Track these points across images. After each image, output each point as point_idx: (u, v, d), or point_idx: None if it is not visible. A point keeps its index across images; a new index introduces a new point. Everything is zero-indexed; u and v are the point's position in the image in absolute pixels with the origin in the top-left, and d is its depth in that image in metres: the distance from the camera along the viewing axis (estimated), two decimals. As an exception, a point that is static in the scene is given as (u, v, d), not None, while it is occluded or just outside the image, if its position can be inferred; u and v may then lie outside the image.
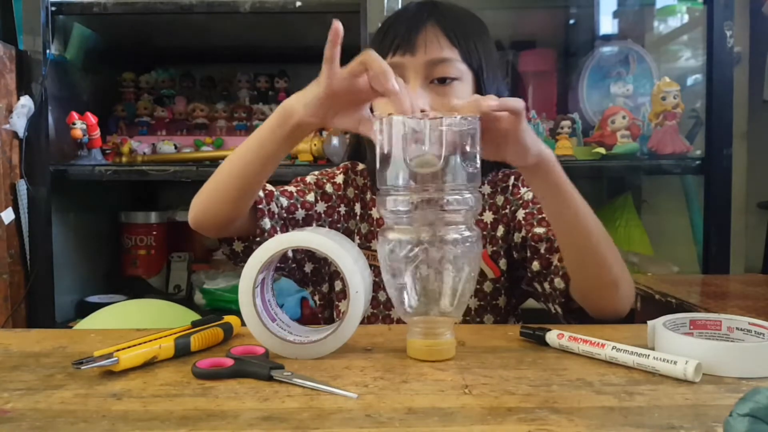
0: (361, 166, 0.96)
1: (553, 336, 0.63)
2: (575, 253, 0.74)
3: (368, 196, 0.94)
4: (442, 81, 0.82)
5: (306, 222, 0.89)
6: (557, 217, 0.73)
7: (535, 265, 0.82)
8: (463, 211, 0.59)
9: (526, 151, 0.66)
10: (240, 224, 0.81)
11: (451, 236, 0.59)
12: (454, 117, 0.59)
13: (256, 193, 0.80)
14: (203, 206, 0.79)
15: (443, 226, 0.59)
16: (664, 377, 0.55)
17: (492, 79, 0.86)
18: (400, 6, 1.44)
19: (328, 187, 0.92)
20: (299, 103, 0.70)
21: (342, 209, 0.93)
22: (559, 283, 0.79)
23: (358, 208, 0.94)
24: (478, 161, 0.61)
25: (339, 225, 0.92)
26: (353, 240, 0.91)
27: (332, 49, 0.66)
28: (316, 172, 0.95)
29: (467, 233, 0.60)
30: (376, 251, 0.90)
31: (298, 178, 0.94)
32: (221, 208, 0.78)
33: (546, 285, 0.82)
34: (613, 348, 0.58)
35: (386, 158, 0.60)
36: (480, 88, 0.85)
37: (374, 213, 0.93)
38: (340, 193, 0.93)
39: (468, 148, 0.59)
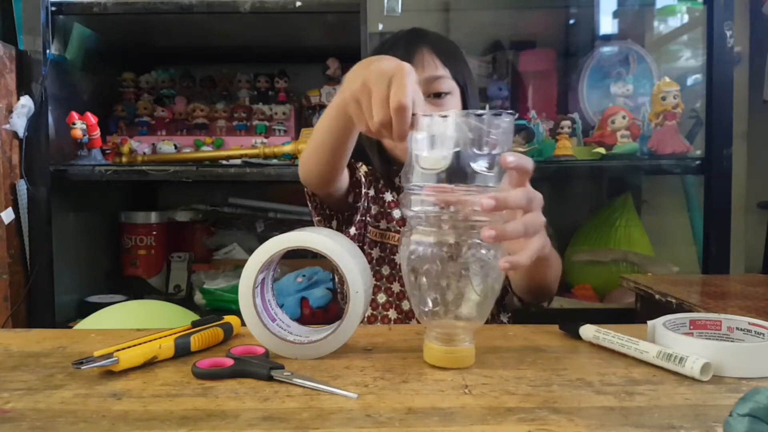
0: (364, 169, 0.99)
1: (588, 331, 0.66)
2: (530, 291, 0.84)
3: (380, 181, 1.00)
4: (438, 95, 0.92)
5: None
6: (526, 278, 0.81)
7: None
8: (487, 215, 0.56)
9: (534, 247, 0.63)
10: (340, 183, 0.88)
11: (475, 240, 0.56)
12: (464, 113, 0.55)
13: (347, 150, 0.80)
14: (306, 167, 0.85)
15: (468, 230, 0.56)
16: (664, 377, 0.55)
17: (473, 96, 0.97)
18: (400, 6, 1.45)
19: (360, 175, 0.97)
20: None
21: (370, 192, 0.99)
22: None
23: (372, 191, 0.99)
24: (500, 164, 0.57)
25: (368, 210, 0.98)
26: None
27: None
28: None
29: None
30: (384, 230, 0.97)
31: None
32: (320, 167, 0.82)
33: None
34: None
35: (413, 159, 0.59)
36: (465, 103, 0.95)
37: (386, 197, 0.99)
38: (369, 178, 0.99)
39: (486, 148, 0.55)
